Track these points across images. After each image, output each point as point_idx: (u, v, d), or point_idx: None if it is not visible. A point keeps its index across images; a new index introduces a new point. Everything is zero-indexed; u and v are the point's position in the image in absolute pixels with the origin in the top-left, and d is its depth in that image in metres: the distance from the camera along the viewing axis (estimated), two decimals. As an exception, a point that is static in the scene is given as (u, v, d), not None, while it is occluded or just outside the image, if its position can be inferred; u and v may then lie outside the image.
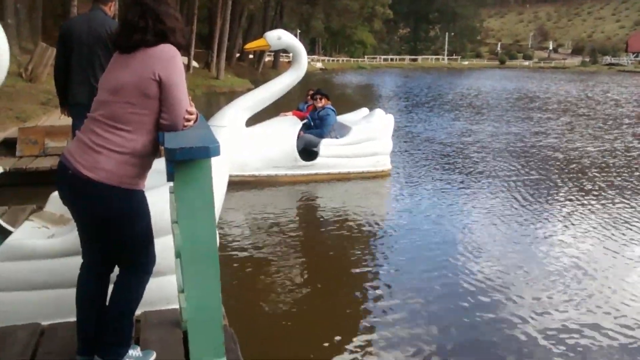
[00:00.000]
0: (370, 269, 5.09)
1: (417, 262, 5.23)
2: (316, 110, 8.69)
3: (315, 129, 8.52)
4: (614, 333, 3.92)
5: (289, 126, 8.21)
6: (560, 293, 4.54)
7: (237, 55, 40.73)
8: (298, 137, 8.21)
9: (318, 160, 8.24)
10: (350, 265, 5.21)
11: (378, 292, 4.57)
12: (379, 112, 9.06)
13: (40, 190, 3.93)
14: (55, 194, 3.40)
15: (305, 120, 8.53)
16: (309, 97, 9.28)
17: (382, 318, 4.11)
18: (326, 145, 8.30)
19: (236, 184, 7.61)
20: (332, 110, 8.71)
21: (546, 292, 4.55)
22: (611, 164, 9.98)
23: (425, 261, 5.24)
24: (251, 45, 8.91)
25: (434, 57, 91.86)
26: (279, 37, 8.20)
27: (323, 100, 8.70)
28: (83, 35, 4.78)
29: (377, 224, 6.47)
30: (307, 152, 8.30)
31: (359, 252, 5.54)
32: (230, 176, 7.50)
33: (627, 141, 12.81)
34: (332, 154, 8.32)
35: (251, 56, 43.74)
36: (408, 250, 5.58)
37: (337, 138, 8.47)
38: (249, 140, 7.92)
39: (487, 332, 3.94)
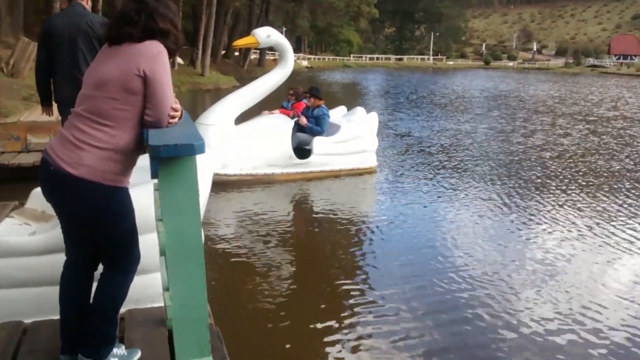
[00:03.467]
0: (358, 267, 5.11)
1: (403, 259, 5.25)
2: (309, 108, 8.68)
3: (305, 126, 8.50)
4: (601, 332, 3.96)
5: (282, 125, 8.21)
6: (546, 292, 4.57)
7: (223, 52, 40.55)
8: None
9: (312, 158, 8.26)
10: (339, 262, 5.25)
11: (364, 290, 4.57)
12: (359, 110, 9.18)
13: (23, 187, 3.88)
14: (37, 190, 3.36)
15: (295, 119, 8.52)
16: (291, 95, 9.28)
17: (368, 317, 4.12)
18: (319, 144, 8.33)
19: (234, 184, 7.60)
20: (326, 109, 8.73)
21: (533, 291, 4.59)
22: (594, 163, 10.09)
23: (412, 259, 5.27)
24: (239, 42, 8.88)
25: (420, 56, 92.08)
26: (268, 34, 8.20)
27: (311, 100, 8.70)
28: (65, 30, 4.75)
29: (365, 221, 6.50)
30: (301, 150, 8.30)
31: (348, 250, 5.56)
32: (228, 175, 7.54)
33: (608, 140, 12.96)
34: (325, 152, 8.37)
35: (237, 53, 43.55)
36: (395, 247, 5.61)
37: (326, 136, 8.50)
38: (243, 139, 7.88)
39: (472, 330, 3.96)
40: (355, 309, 4.21)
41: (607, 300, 4.46)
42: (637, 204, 7.43)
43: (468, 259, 5.25)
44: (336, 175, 8.50)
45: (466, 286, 4.64)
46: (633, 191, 8.11)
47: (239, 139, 7.87)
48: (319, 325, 3.97)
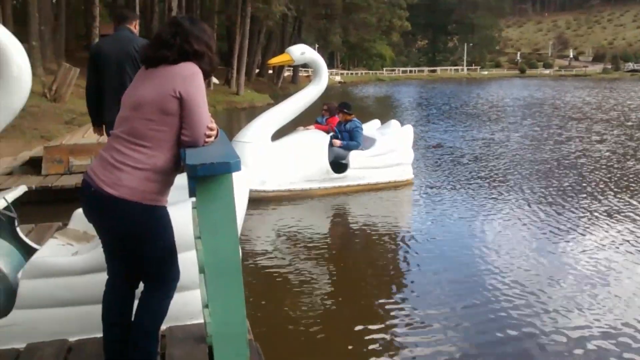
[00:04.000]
0: (397, 283, 5.05)
1: (442, 273, 5.18)
2: (341, 123, 8.71)
3: (344, 141, 8.52)
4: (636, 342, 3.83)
5: (318, 139, 8.25)
6: (590, 304, 4.45)
7: (257, 70, 41.05)
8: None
9: (348, 172, 8.27)
10: (377, 279, 5.19)
11: (403, 308, 4.51)
12: (394, 123, 9.19)
13: (66, 208, 3.98)
14: (79, 211, 3.44)
15: (331, 133, 8.55)
16: (325, 110, 9.31)
17: (407, 331, 4.06)
18: (355, 157, 8.35)
19: (272, 199, 7.66)
20: (359, 122, 8.75)
21: (575, 304, 4.47)
22: (630, 168, 9.82)
23: (451, 272, 5.20)
24: (274, 60, 8.95)
25: (453, 68, 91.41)
26: (303, 52, 8.27)
27: (341, 115, 8.73)
28: (112, 54, 4.90)
29: (402, 236, 6.45)
30: (337, 164, 8.32)
31: (386, 266, 5.52)
32: (266, 192, 7.60)
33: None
34: (361, 166, 8.38)
35: (270, 72, 44.03)
36: (433, 262, 5.53)
37: (362, 150, 8.51)
38: (280, 155, 7.94)
39: (515, 345, 3.87)
40: (395, 329, 4.14)
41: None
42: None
43: (509, 274, 5.13)
44: (373, 188, 8.47)
45: (508, 304, 4.52)
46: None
47: (276, 155, 7.91)
48: (357, 344, 3.93)
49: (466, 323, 4.17)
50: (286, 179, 7.90)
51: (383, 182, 8.60)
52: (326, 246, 6.06)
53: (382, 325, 4.16)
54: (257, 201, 7.39)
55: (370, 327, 4.14)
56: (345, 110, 8.70)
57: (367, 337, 3.98)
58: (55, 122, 12.97)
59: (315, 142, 8.21)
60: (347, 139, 8.53)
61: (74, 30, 28.41)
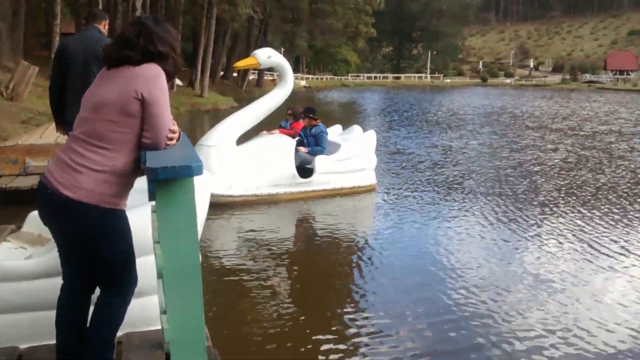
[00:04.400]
0: (358, 287, 5.06)
1: (403, 279, 5.21)
2: (306, 128, 8.70)
3: (309, 146, 8.52)
4: (593, 346, 3.94)
5: (284, 144, 8.21)
6: (542, 307, 4.55)
7: (221, 73, 40.77)
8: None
9: (314, 177, 8.27)
10: (339, 283, 5.21)
11: (363, 312, 4.52)
12: (356, 128, 9.29)
13: (20, 210, 3.86)
14: (34, 213, 3.35)
15: (297, 138, 8.53)
16: (289, 114, 9.28)
17: (367, 340, 4.06)
18: (321, 162, 8.35)
19: (237, 204, 7.58)
20: (324, 127, 8.76)
21: (526, 307, 4.55)
22: (581, 176, 10.09)
23: (411, 278, 5.24)
24: (240, 63, 8.89)
25: (417, 75, 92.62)
26: (269, 55, 8.25)
27: (306, 120, 8.74)
28: (79, 53, 4.80)
29: (365, 241, 6.48)
30: (302, 169, 8.30)
31: (348, 271, 5.53)
32: (233, 197, 7.52)
33: (606, 156, 12.97)
34: (327, 171, 8.39)
35: (235, 74, 43.77)
36: (394, 267, 5.56)
37: (327, 155, 8.53)
38: (246, 160, 7.87)
39: (476, 351, 3.91)
40: (355, 337, 4.12)
41: (603, 312, 4.43)
42: (619, 215, 7.45)
43: (467, 280, 5.20)
44: (338, 193, 8.50)
45: (468, 310, 4.58)
46: (617, 203, 8.15)
47: (242, 160, 7.85)
48: (316, 351, 3.91)
49: (427, 332, 4.19)
50: (252, 183, 7.85)
51: (347, 187, 8.64)
52: (289, 252, 6.04)
53: (343, 333, 4.15)
54: (222, 206, 7.33)
55: (330, 335, 4.12)
56: (311, 115, 8.71)
57: (326, 345, 3.97)
58: (11, 121, 12.62)
59: (281, 146, 8.18)
60: (312, 143, 8.54)
61: (33, 28, 27.74)
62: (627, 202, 8.35)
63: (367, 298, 4.81)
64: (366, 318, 4.39)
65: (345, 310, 4.55)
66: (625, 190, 9.22)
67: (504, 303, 4.65)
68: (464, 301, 4.67)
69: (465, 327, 4.22)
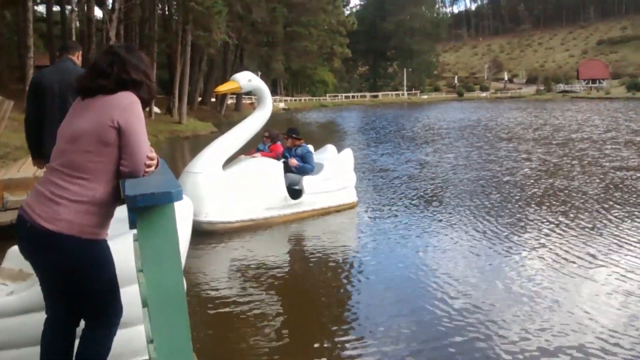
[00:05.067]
0: (349, 311, 5.01)
1: (389, 294, 5.21)
2: (291, 149, 8.70)
3: (295, 168, 8.50)
4: (580, 354, 3.95)
5: (273, 167, 8.18)
6: (527, 317, 4.57)
7: (199, 99, 40.80)
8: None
9: (304, 197, 8.28)
10: (329, 306, 5.16)
11: (356, 335, 4.46)
12: (330, 147, 9.35)
13: (0, 246, 3.81)
14: (14, 248, 3.30)
15: (282, 160, 8.51)
16: (266, 137, 9.24)
17: (356, 352, 4.04)
18: (309, 182, 8.38)
19: (234, 230, 7.52)
20: (308, 147, 8.79)
21: (513, 317, 4.57)
22: (583, 191, 10.21)
23: (397, 293, 5.23)
24: (221, 88, 8.78)
25: (394, 92, 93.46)
26: (249, 79, 8.24)
27: (289, 141, 8.75)
28: (55, 85, 4.77)
29: (353, 260, 6.47)
30: (291, 191, 8.30)
31: (338, 293, 5.51)
32: (230, 222, 7.44)
33: (597, 169, 13.16)
34: (315, 191, 8.42)
35: (213, 99, 43.83)
36: (383, 285, 5.54)
37: (313, 175, 8.58)
38: (237, 185, 7.77)
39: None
40: (345, 355, 4.10)
41: (585, 317, 4.47)
42: (591, 222, 7.56)
43: (452, 291, 5.22)
44: (326, 212, 8.55)
45: (456, 322, 4.60)
46: (589, 209, 8.27)
47: (232, 185, 7.75)
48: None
49: (414, 343, 4.19)
50: (247, 208, 7.75)
51: (334, 205, 8.70)
52: (279, 275, 5.95)
53: (333, 353, 4.12)
54: (215, 233, 7.28)
55: (321, 357, 4.08)
56: (294, 136, 8.74)
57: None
58: (-13, 157, 12.47)
59: (271, 169, 8.14)
60: (299, 167, 8.53)
61: (6, 61, 27.58)
62: (601, 208, 8.49)
63: (358, 322, 4.71)
64: (358, 344, 4.30)
65: (337, 337, 4.47)
66: (596, 197, 9.41)
67: (490, 311, 4.66)
68: (447, 312, 4.68)
69: (456, 342, 4.22)
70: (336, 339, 4.41)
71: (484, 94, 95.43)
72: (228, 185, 7.69)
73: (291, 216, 8.18)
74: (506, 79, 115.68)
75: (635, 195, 9.41)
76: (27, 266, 2.60)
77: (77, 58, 5.09)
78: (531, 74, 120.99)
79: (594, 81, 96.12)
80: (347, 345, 4.26)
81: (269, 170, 8.10)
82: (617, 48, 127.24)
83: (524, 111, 42.68)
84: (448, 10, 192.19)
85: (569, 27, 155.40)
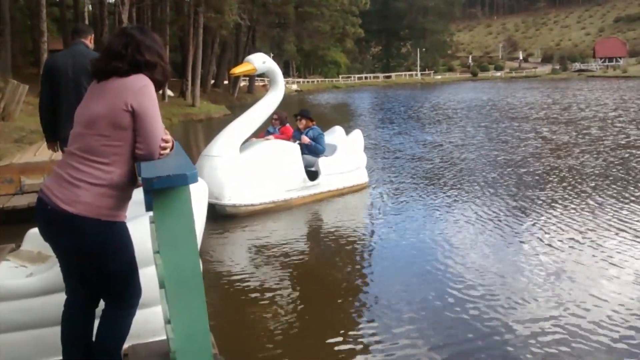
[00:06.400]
0: (365, 293, 5.01)
1: (402, 278, 5.22)
2: (301, 132, 8.69)
3: (307, 149, 8.51)
4: (596, 336, 3.94)
5: (291, 148, 8.19)
6: (544, 300, 4.55)
7: (212, 81, 40.79)
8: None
9: (320, 179, 8.31)
10: (347, 289, 5.16)
11: (370, 318, 4.47)
12: (338, 129, 9.36)
13: (19, 229, 3.85)
14: (32, 231, 3.35)
15: (297, 142, 8.50)
16: (275, 120, 9.19)
17: (374, 344, 4.04)
18: (324, 164, 8.42)
19: (255, 212, 7.55)
20: (319, 129, 8.79)
21: (530, 300, 4.56)
22: (586, 170, 10.14)
23: (410, 278, 5.23)
24: (237, 70, 8.74)
25: (407, 73, 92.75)
26: (264, 61, 8.21)
27: (304, 121, 8.73)
28: (69, 69, 4.81)
29: (366, 238, 6.57)
30: (307, 172, 8.32)
31: (354, 275, 5.52)
32: (254, 205, 7.48)
33: (601, 148, 13.03)
34: (331, 172, 8.46)
35: (226, 82, 43.81)
36: (397, 268, 5.54)
37: (326, 156, 8.61)
38: (255, 167, 7.76)
39: (474, 342, 3.93)
40: (364, 340, 4.10)
41: (606, 306, 4.45)
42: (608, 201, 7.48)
43: (468, 275, 5.21)
44: (340, 193, 8.61)
45: (469, 299, 4.61)
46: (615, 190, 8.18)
47: (251, 168, 7.73)
48: (324, 351, 3.92)
49: (428, 329, 4.18)
50: (268, 190, 7.77)
51: (348, 186, 8.76)
52: (297, 258, 5.94)
53: (349, 340, 4.10)
54: (230, 216, 7.31)
55: (337, 340, 4.08)
56: (308, 116, 8.74)
57: (333, 350, 3.96)
58: (4, 141, 12.58)
59: (290, 151, 8.15)
60: (311, 146, 8.53)
61: (21, 46, 27.69)
62: (610, 187, 8.44)
63: (374, 306, 4.71)
64: (373, 324, 4.33)
65: (353, 319, 4.49)
66: (600, 175, 9.42)
67: (506, 293, 4.66)
68: (462, 295, 4.68)
69: (474, 329, 4.19)
70: (353, 323, 4.43)
71: (498, 74, 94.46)
72: (248, 168, 7.68)
73: (309, 198, 8.22)
74: (521, 58, 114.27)
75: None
76: (46, 248, 2.64)
77: (89, 41, 5.12)
78: (546, 52, 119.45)
79: (610, 59, 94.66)
80: (360, 329, 4.28)
81: (288, 153, 8.10)
82: (635, 25, 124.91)
83: (536, 90, 42.33)
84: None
85: (585, 4, 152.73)
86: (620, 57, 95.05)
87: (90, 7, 32.00)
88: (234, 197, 7.41)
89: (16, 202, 7.13)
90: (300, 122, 8.76)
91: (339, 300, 4.89)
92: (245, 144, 8.16)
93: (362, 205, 8.36)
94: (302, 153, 8.37)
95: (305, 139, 8.47)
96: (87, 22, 25.45)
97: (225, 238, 6.74)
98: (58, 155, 5.71)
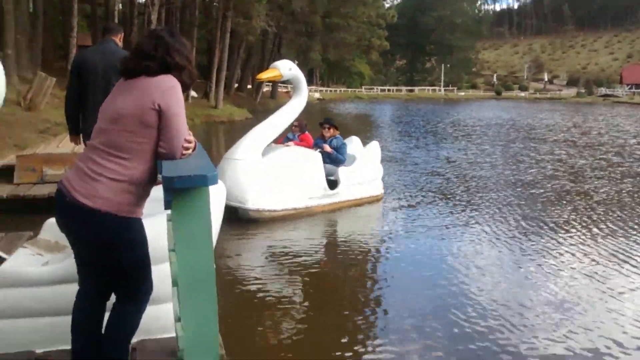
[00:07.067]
0: (376, 305, 5.01)
1: (417, 289, 5.20)
2: (325, 140, 8.70)
3: (329, 158, 8.52)
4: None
5: (313, 156, 8.21)
6: (554, 322, 4.50)
7: (236, 85, 41.07)
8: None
9: (340, 188, 8.33)
10: (357, 298, 5.18)
11: (379, 324, 4.52)
12: (355, 139, 9.34)
13: (38, 218, 3.92)
14: (51, 220, 3.40)
15: (319, 150, 8.51)
16: (295, 127, 9.21)
17: (382, 348, 4.06)
18: (345, 173, 8.44)
19: (278, 218, 7.57)
20: (342, 139, 8.81)
21: (540, 322, 4.51)
22: (598, 196, 10.01)
23: (423, 291, 5.21)
24: (263, 75, 8.77)
25: (431, 88, 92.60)
26: (290, 68, 8.25)
27: (331, 130, 8.75)
28: (98, 66, 4.89)
29: (381, 250, 6.57)
30: (327, 181, 8.34)
31: (365, 286, 5.53)
32: (276, 211, 7.50)
33: (614, 174, 12.87)
34: (350, 182, 8.48)
35: (249, 86, 44.09)
36: (408, 277, 5.58)
37: (346, 166, 8.64)
38: (278, 173, 7.76)
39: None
40: (370, 351, 4.08)
41: (616, 328, 4.39)
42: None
43: (480, 293, 5.18)
44: (358, 203, 8.62)
45: (480, 316, 4.58)
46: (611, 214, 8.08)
47: (274, 173, 7.72)
48: (332, 356, 3.92)
49: (436, 343, 4.17)
50: (290, 197, 7.77)
51: (366, 197, 8.77)
52: (312, 266, 5.92)
53: (358, 351, 4.09)
54: (251, 220, 7.33)
55: (345, 351, 4.07)
56: (334, 125, 8.78)
57: (341, 352, 3.96)
58: (29, 131, 12.79)
59: (311, 159, 8.16)
60: (333, 155, 8.54)
61: (51, 40, 28.11)
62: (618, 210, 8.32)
63: (385, 317, 4.73)
64: (383, 340, 4.29)
65: (363, 330, 4.49)
66: (610, 199, 9.37)
67: (517, 314, 4.61)
68: (473, 313, 4.65)
69: (475, 337, 4.19)
70: (359, 334, 4.42)
71: (522, 94, 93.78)
72: (271, 173, 7.67)
73: (328, 206, 8.22)
74: (546, 79, 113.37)
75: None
76: (63, 238, 2.68)
77: (119, 40, 5.20)
78: (572, 75, 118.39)
79: (637, 86, 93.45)
80: (369, 341, 4.27)
81: (310, 160, 8.11)
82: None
83: (558, 112, 42.05)
84: (490, 7, 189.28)
85: (615, 30, 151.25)
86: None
87: (120, 5, 32.44)
88: (257, 201, 7.41)
89: (37, 191, 7.24)
90: (328, 130, 8.75)
91: (350, 311, 4.87)
92: (266, 148, 8.17)
93: (377, 217, 8.36)
94: (323, 162, 8.39)
95: (328, 148, 8.49)
96: (116, 20, 25.80)
97: (245, 242, 6.77)
98: (80, 148, 5.80)
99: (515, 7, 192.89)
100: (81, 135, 5.17)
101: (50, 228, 3.46)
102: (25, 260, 3.26)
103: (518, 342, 4.15)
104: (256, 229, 7.15)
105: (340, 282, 5.62)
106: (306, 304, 4.96)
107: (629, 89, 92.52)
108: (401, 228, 7.50)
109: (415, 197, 9.42)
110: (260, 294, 5.06)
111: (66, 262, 2.86)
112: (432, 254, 6.34)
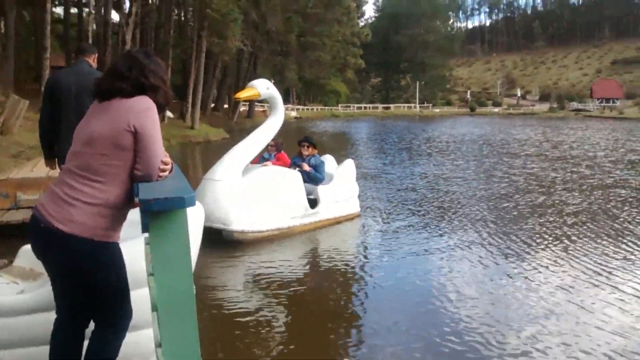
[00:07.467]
0: (358, 324, 5.00)
1: (396, 311, 5.19)
2: (303, 158, 8.69)
3: (307, 176, 8.49)
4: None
5: (292, 176, 8.16)
6: (537, 335, 4.52)
7: (212, 105, 40.99)
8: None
9: (320, 207, 8.32)
10: (342, 314, 5.18)
11: (362, 342, 4.49)
12: (329, 157, 9.41)
13: (12, 245, 3.84)
14: (25, 247, 3.33)
15: (297, 169, 8.48)
16: (272, 146, 9.15)
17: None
18: (324, 192, 8.42)
19: (260, 239, 7.48)
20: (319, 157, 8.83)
21: (523, 335, 4.53)
22: (568, 208, 10.16)
23: (405, 311, 5.21)
24: (241, 94, 8.75)
25: (406, 105, 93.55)
26: (267, 87, 8.25)
27: (310, 149, 8.75)
28: (72, 87, 4.82)
29: (363, 267, 6.55)
30: (307, 200, 8.30)
31: (349, 300, 5.54)
32: (261, 232, 7.43)
33: (585, 187, 13.10)
34: (329, 200, 8.47)
35: (226, 106, 44.04)
36: (389, 292, 5.58)
37: (324, 184, 8.62)
38: (258, 193, 7.68)
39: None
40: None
41: (601, 339, 4.42)
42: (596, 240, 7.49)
43: (456, 309, 5.19)
44: (337, 222, 8.60)
45: (461, 331, 4.58)
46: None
47: (254, 193, 7.64)
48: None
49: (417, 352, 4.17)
50: (275, 217, 7.71)
51: (344, 215, 8.76)
52: (295, 287, 5.81)
53: None
54: (233, 242, 7.24)
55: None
56: (313, 143, 8.79)
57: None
58: (2, 155, 12.58)
59: (291, 178, 8.13)
60: (312, 174, 8.53)
61: (23, 61, 27.85)
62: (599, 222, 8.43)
63: (364, 328, 4.77)
64: (366, 354, 4.29)
65: (346, 346, 4.49)
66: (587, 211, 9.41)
67: (497, 327, 4.63)
68: (455, 327, 4.66)
69: (457, 354, 4.20)
70: (342, 350, 4.41)
71: (496, 110, 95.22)
72: (253, 193, 7.61)
73: (309, 225, 8.18)
74: (519, 95, 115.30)
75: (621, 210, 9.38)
76: (38, 265, 2.62)
77: (93, 61, 5.14)
78: (544, 91, 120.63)
79: (607, 100, 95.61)
80: (352, 356, 4.25)
81: (291, 180, 8.08)
82: (631, 68, 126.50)
83: (530, 127, 42.82)
84: (462, 25, 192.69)
85: (583, 45, 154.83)
86: (617, 99, 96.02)
87: (94, 26, 32.32)
88: (241, 222, 7.33)
89: (10, 217, 7.09)
90: (307, 148, 8.75)
91: (334, 326, 4.87)
92: (245, 169, 8.12)
93: (356, 234, 8.35)
94: (302, 180, 8.37)
95: (306, 167, 8.48)
96: (90, 41, 25.65)
97: (228, 263, 6.67)
98: (55, 172, 5.70)
99: (487, 24, 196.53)
100: (56, 159, 5.09)
101: (25, 255, 3.39)
102: (0, 289, 3.19)
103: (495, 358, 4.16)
104: (241, 251, 7.08)
105: (325, 302, 5.57)
106: (290, 326, 4.91)
107: (599, 102, 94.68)
108: (379, 245, 7.50)
109: (391, 214, 9.46)
110: (242, 316, 5.00)
111: (42, 290, 2.80)
112: (409, 272, 6.32)
